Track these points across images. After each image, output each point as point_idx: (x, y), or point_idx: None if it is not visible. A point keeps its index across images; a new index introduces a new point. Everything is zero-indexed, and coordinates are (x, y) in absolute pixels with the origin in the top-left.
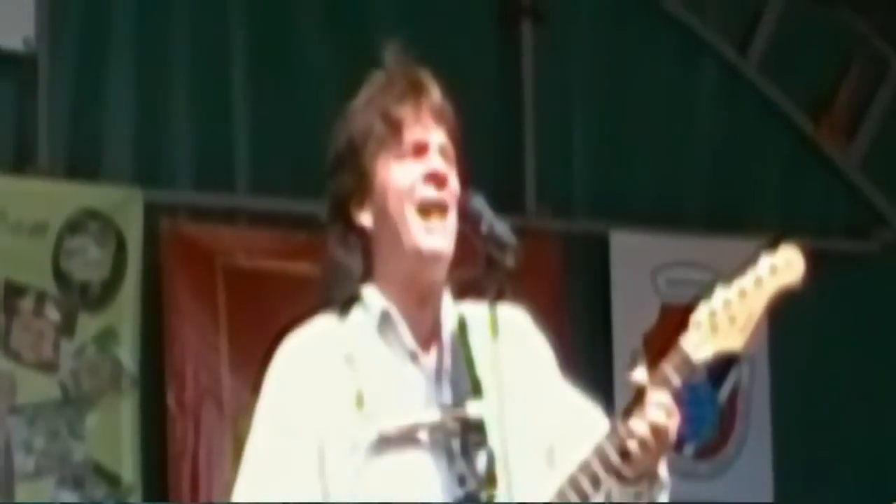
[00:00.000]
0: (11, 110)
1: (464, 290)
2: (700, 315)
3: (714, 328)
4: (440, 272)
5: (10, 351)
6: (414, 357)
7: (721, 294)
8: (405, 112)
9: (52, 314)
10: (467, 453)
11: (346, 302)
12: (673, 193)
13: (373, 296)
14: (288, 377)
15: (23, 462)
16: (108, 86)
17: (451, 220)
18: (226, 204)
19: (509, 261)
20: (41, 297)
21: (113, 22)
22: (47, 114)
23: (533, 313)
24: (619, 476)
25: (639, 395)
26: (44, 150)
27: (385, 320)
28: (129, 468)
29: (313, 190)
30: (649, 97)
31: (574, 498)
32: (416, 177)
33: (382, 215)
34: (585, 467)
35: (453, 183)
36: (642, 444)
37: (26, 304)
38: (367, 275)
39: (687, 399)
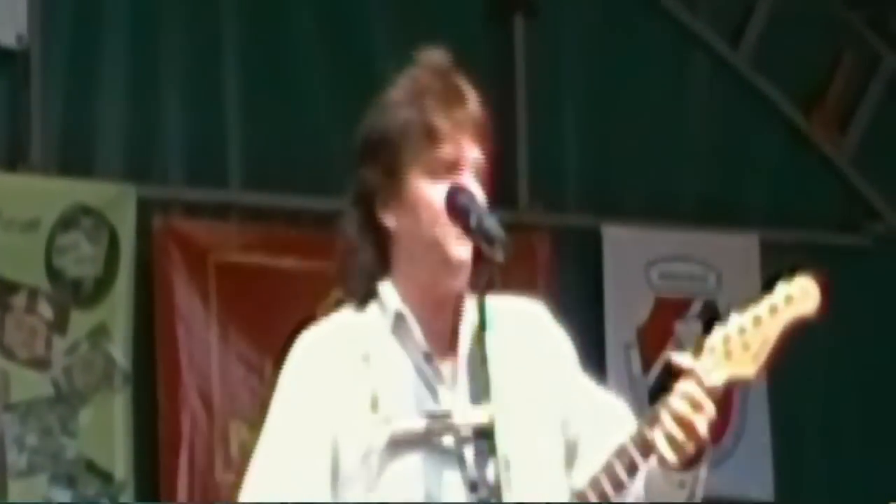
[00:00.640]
0: (4, 107)
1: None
2: (714, 340)
3: (728, 354)
4: (461, 280)
5: (3, 348)
6: (428, 359)
7: (736, 320)
8: (445, 124)
9: (45, 311)
10: (479, 460)
11: (364, 298)
12: (665, 187)
13: (389, 294)
14: (304, 373)
15: (15, 459)
16: (100, 82)
17: None
18: (219, 200)
19: (499, 255)
20: (34, 294)
21: (105, 19)
22: (40, 110)
23: None
24: (662, 461)
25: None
26: (36, 147)
27: (399, 321)
28: (121, 465)
29: (306, 186)
30: (641, 91)
31: (607, 486)
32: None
33: (410, 223)
34: (621, 453)
35: (477, 191)
36: (669, 437)
37: (19, 301)
38: (384, 271)
39: None
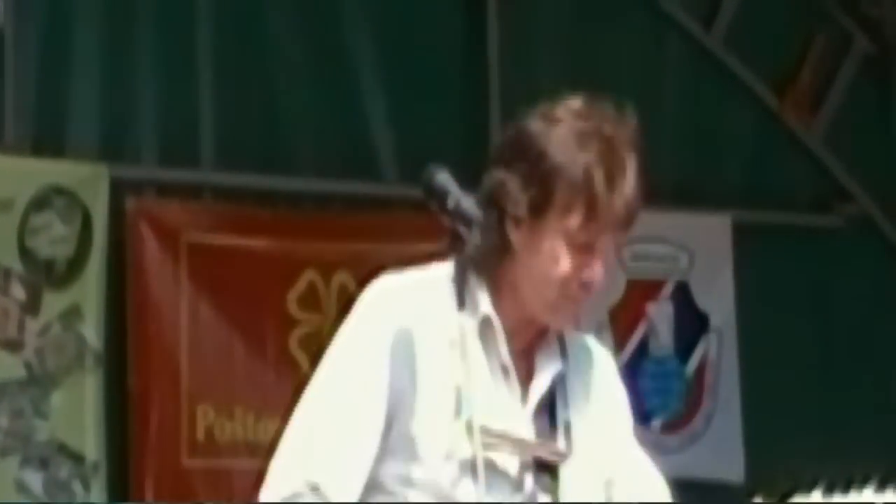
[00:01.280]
0: None
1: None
2: None
3: None
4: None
5: None
6: (506, 372)
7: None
8: (603, 203)
9: (18, 292)
10: (535, 490)
11: (461, 279)
12: None
13: (483, 299)
14: (387, 318)
15: None
16: (73, 62)
17: (583, 309)
18: (191, 180)
19: (475, 237)
20: (6, 275)
21: None
22: (13, 90)
23: None
24: None
25: None
26: (9, 127)
27: (486, 325)
28: (92, 447)
29: (278, 166)
30: (615, 73)
31: None
32: (571, 275)
33: (531, 260)
34: None
35: (600, 284)
36: None
37: None
38: (487, 272)
39: (653, 372)
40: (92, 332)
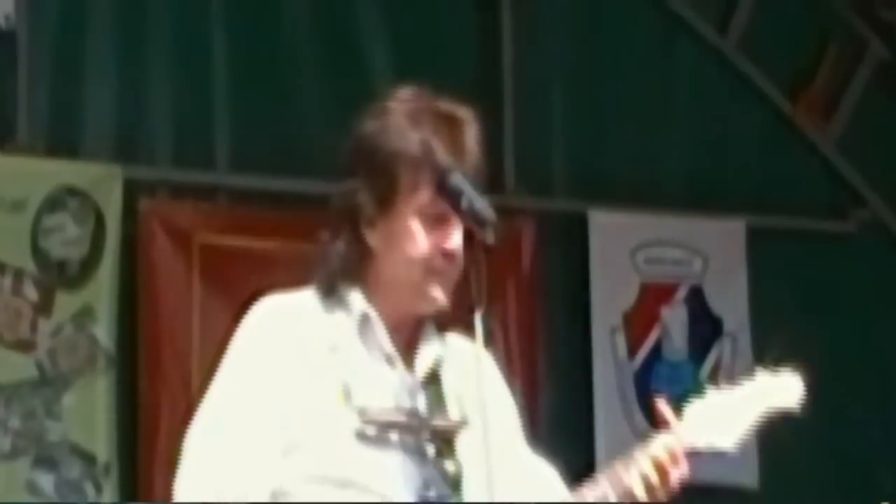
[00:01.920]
0: None
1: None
2: (697, 408)
3: (708, 423)
4: (432, 311)
5: None
6: (391, 361)
7: (719, 395)
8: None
9: (30, 293)
10: (439, 459)
11: (329, 292)
12: (651, 172)
13: (357, 298)
14: (266, 338)
15: None
16: (87, 63)
17: (453, 283)
18: (205, 181)
19: (489, 237)
20: (19, 275)
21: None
22: (27, 90)
23: (512, 293)
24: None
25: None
26: (23, 127)
27: (365, 322)
28: (104, 448)
29: (292, 168)
30: (628, 76)
31: None
32: (433, 250)
33: (394, 253)
34: (594, 485)
35: (461, 258)
36: (644, 479)
37: (4, 282)
38: (357, 279)
39: (667, 376)
40: (104, 332)
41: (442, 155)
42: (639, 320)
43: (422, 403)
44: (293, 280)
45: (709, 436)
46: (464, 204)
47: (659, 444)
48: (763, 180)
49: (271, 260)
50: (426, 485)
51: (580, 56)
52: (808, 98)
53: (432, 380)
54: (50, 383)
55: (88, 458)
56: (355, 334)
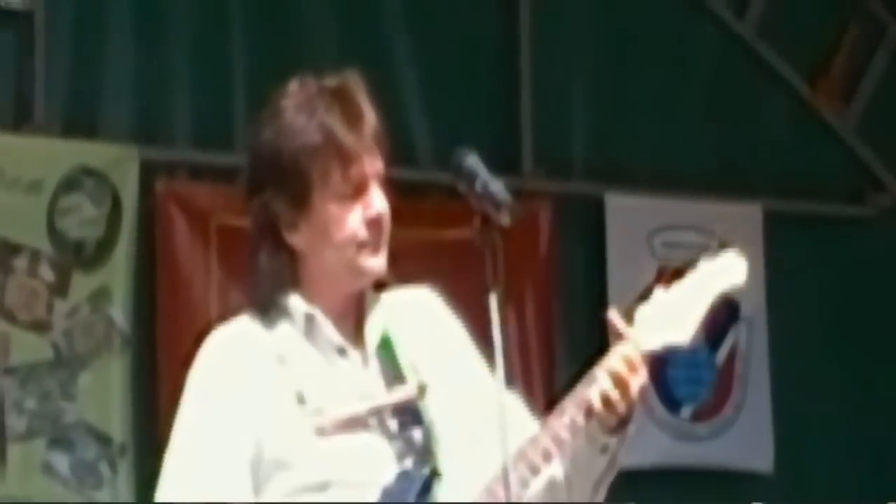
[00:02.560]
0: (8, 67)
1: (461, 250)
2: (646, 311)
3: (660, 323)
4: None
5: (4, 311)
6: (342, 352)
7: (664, 295)
8: (352, 145)
9: (46, 273)
10: (404, 431)
11: (267, 308)
12: (670, 156)
13: (297, 303)
14: (218, 371)
15: (14, 423)
16: (106, 43)
17: (386, 243)
18: (223, 163)
19: (504, 219)
20: (35, 256)
21: None
22: (44, 71)
23: (529, 276)
24: (592, 416)
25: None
26: (40, 107)
27: (310, 322)
28: (120, 429)
29: None
30: (647, 60)
31: (537, 457)
32: (358, 223)
33: (321, 244)
34: (560, 411)
35: (387, 215)
36: (603, 395)
37: (20, 263)
38: (292, 284)
39: (683, 361)
40: (120, 313)
41: (342, 131)
42: None
43: (379, 384)
44: None
45: (663, 335)
46: (478, 186)
47: (616, 356)
48: (781, 164)
49: None
50: (400, 457)
51: (599, 39)
52: (826, 82)
53: (385, 349)
54: (66, 364)
55: (104, 439)
56: (302, 338)
